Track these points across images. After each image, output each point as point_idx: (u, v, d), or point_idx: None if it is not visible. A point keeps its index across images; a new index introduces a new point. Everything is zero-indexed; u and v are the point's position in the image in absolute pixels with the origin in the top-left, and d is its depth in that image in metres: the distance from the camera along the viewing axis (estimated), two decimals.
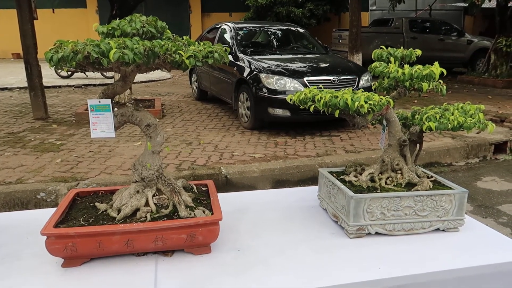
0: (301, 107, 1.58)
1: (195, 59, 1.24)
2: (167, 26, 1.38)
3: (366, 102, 1.41)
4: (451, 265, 1.32)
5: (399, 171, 1.60)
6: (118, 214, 1.34)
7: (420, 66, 1.57)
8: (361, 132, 5.81)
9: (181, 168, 4.22)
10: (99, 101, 1.35)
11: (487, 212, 3.80)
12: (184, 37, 1.34)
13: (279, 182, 4.27)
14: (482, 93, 9.25)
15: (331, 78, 5.76)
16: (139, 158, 1.43)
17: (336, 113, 1.47)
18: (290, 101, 1.62)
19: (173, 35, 1.37)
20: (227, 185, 4.10)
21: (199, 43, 1.32)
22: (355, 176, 1.63)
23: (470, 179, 4.63)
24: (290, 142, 5.28)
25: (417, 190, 1.50)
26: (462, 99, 7.95)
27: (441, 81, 1.63)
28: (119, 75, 1.35)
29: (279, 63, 6.04)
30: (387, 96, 1.56)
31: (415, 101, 7.59)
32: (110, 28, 1.29)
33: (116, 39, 1.19)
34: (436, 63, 1.58)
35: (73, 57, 1.13)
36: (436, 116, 1.57)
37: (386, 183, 1.57)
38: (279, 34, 7.75)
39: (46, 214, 1.37)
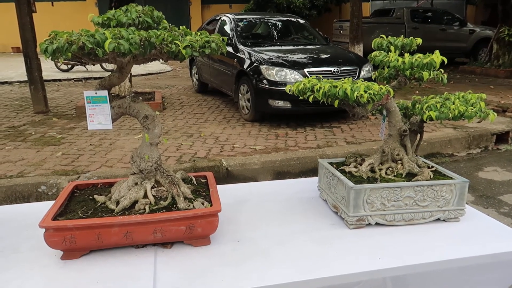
0: (301, 97, 1.57)
1: (191, 49, 1.22)
2: (163, 16, 1.36)
3: (365, 92, 1.40)
4: (451, 255, 1.31)
5: (399, 161, 1.59)
6: (116, 207, 1.34)
7: (420, 55, 1.55)
8: (362, 123, 5.78)
9: (182, 160, 4.22)
10: (96, 93, 1.34)
11: (489, 202, 3.79)
12: (181, 27, 1.32)
13: (280, 173, 4.27)
14: (484, 83, 9.19)
15: (331, 69, 5.72)
16: (137, 150, 1.42)
17: (336, 103, 1.46)
18: (289, 91, 1.60)
19: (169, 25, 1.35)
20: (228, 177, 4.10)
21: (196, 34, 1.30)
22: (355, 167, 1.62)
23: (472, 170, 4.61)
24: (291, 134, 5.27)
25: (418, 180, 1.49)
26: (464, 89, 7.87)
27: (442, 70, 1.61)
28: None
29: (279, 55, 6.00)
30: (387, 85, 1.54)
31: (417, 92, 7.55)
32: (105, 19, 1.28)
33: (111, 29, 1.17)
34: (437, 52, 1.56)
35: (68, 48, 1.12)
36: (436, 106, 1.56)
37: (386, 173, 1.56)
38: (280, 25, 7.69)
39: (44, 207, 1.37)
